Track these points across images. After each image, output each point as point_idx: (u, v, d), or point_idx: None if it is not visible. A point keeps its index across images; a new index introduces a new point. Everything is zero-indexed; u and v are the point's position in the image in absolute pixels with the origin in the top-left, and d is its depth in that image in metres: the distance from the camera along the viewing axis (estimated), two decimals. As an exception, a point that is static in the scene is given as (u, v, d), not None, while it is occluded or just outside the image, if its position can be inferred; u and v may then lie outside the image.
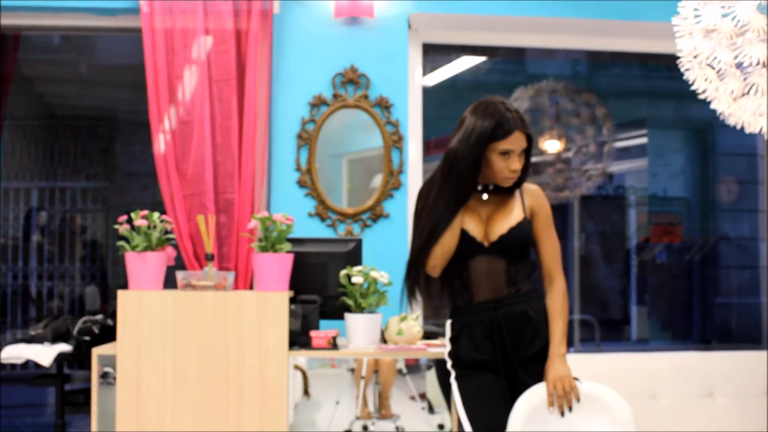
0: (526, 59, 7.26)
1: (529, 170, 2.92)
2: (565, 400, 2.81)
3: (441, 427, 4.89)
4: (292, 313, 3.45)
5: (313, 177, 4.52)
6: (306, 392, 4.78)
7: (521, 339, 2.87)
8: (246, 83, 4.36)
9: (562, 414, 2.80)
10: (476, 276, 2.89)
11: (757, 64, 2.92)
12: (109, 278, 8.84)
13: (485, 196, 2.94)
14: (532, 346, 2.88)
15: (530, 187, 2.98)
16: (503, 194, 2.94)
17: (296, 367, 4.62)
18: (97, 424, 3.42)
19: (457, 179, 2.85)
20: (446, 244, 2.86)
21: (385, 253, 4.36)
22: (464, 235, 2.88)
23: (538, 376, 2.87)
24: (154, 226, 3.48)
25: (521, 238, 2.89)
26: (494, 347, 2.87)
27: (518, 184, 2.93)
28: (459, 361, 2.91)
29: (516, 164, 2.83)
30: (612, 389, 2.93)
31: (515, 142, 2.82)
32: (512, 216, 2.91)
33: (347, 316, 3.48)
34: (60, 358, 4.29)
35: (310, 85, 4.55)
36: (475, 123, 2.82)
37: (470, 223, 2.89)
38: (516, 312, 2.88)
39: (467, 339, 2.89)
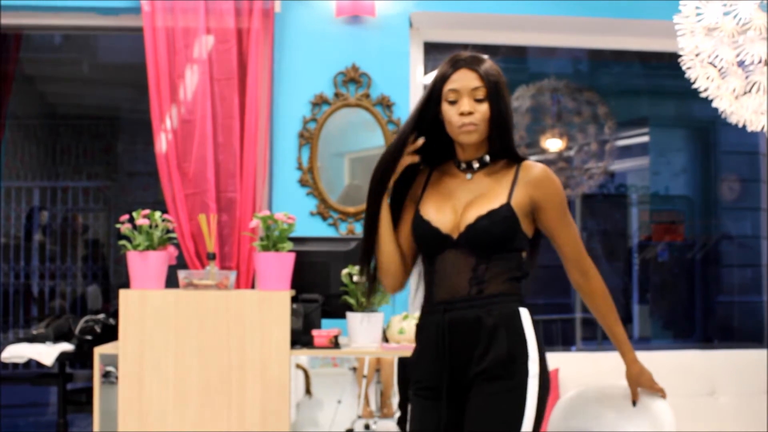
0: (528, 58, 7.26)
1: (503, 124, 2.35)
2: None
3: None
4: (293, 312, 3.45)
5: (315, 176, 4.52)
6: (308, 391, 4.78)
7: (471, 353, 2.29)
8: (247, 82, 4.36)
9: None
10: (441, 273, 2.36)
11: (759, 62, 2.92)
12: (111, 277, 8.84)
13: (469, 176, 2.40)
14: (483, 361, 2.27)
15: (533, 169, 2.38)
16: (496, 174, 2.40)
17: (298, 366, 4.62)
18: (99, 423, 3.42)
19: (393, 143, 2.43)
20: (378, 262, 2.44)
21: (387, 251, 4.36)
22: (427, 226, 2.36)
23: (487, 397, 2.27)
24: (156, 226, 3.48)
25: (490, 229, 2.30)
26: (439, 360, 2.32)
27: (508, 154, 2.40)
28: (411, 372, 2.45)
29: (465, 106, 2.31)
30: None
31: (460, 80, 2.34)
32: (492, 200, 2.34)
33: (349, 315, 3.48)
34: (62, 358, 4.29)
35: (312, 84, 4.55)
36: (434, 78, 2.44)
37: (437, 212, 2.37)
38: (466, 318, 2.30)
39: (418, 346, 2.42)
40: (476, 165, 2.40)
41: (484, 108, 2.32)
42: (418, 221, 2.39)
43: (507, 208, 2.32)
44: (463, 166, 2.41)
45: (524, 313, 2.32)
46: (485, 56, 2.39)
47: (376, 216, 2.44)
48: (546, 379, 2.31)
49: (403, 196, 2.48)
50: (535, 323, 2.34)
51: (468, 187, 2.40)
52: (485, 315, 2.29)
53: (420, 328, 2.41)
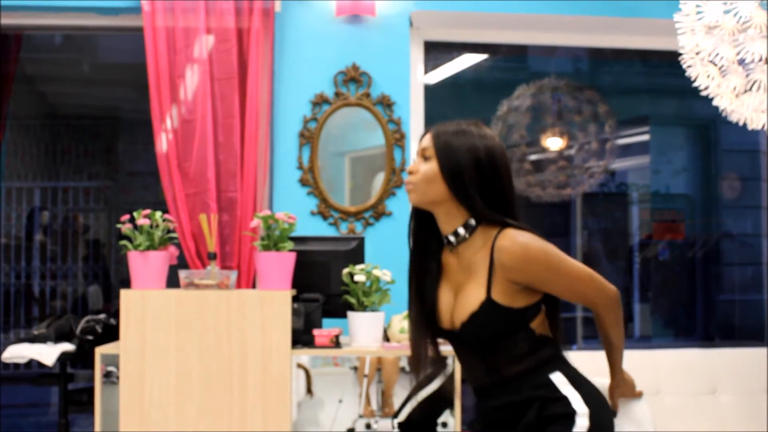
0: (528, 57, 7.26)
1: (459, 181, 2.12)
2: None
3: (444, 425, 4.89)
4: (294, 312, 3.46)
5: (315, 175, 4.52)
6: (309, 390, 4.78)
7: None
8: (248, 82, 4.36)
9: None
10: (461, 363, 2.28)
11: (759, 60, 2.91)
12: (112, 277, 8.84)
13: (452, 255, 2.22)
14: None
15: (504, 251, 2.09)
16: (477, 252, 2.15)
17: (299, 366, 4.62)
18: (100, 423, 3.42)
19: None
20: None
21: (388, 251, 4.36)
22: (433, 320, 2.24)
23: None
24: (157, 225, 3.48)
25: (477, 334, 2.13)
26: None
27: (486, 219, 2.14)
28: None
29: (411, 165, 2.20)
30: None
31: (420, 143, 2.20)
32: (474, 292, 2.13)
33: (350, 314, 3.49)
34: (63, 358, 4.29)
35: (312, 84, 4.55)
36: None
37: (443, 295, 2.23)
38: (498, 406, 2.19)
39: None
40: (452, 239, 2.18)
41: (426, 167, 2.14)
42: (427, 310, 2.25)
43: (488, 304, 2.10)
44: (445, 241, 2.21)
45: (557, 378, 2.15)
46: (462, 122, 2.19)
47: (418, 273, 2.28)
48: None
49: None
50: (579, 380, 2.18)
51: (455, 268, 2.20)
52: (515, 396, 2.15)
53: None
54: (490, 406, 2.20)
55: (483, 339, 2.12)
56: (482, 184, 2.12)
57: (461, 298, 2.15)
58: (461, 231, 2.16)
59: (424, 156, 2.16)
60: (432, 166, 2.14)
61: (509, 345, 2.14)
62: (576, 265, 2.18)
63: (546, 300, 2.20)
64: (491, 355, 2.14)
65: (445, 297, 2.21)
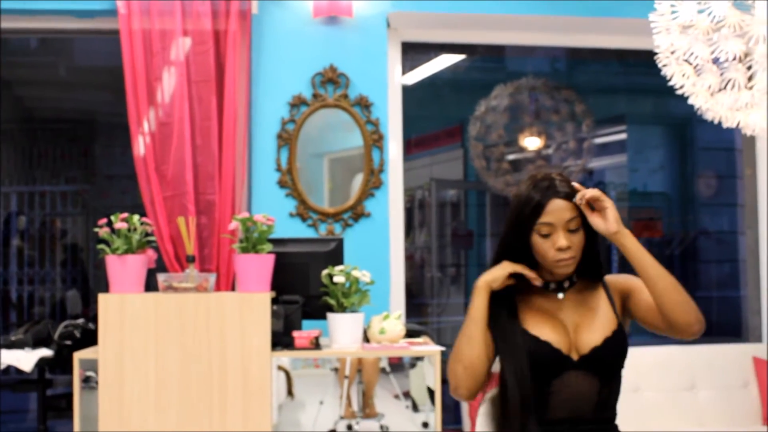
0: (506, 57, 7.27)
1: (596, 247, 2.32)
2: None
3: (425, 425, 4.89)
4: (274, 314, 3.45)
5: (294, 177, 4.51)
6: (290, 392, 4.77)
7: None
8: (225, 84, 4.35)
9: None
10: (559, 395, 2.28)
11: (734, 59, 2.94)
12: (90, 282, 8.78)
13: (561, 295, 2.35)
14: None
15: (615, 279, 2.39)
16: (587, 291, 2.36)
17: (279, 368, 4.61)
18: (79, 428, 3.40)
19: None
20: (466, 359, 2.28)
21: (367, 252, 4.36)
22: (546, 347, 2.26)
23: None
24: (135, 229, 3.46)
25: (618, 353, 2.29)
26: None
27: (595, 274, 2.37)
28: None
29: (561, 240, 2.23)
30: None
31: (553, 212, 2.24)
32: (604, 322, 2.30)
33: (329, 315, 3.48)
34: (41, 363, 4.27)
35: (290, 85, 4.55)
36: (515, 201, 2.31)
37: (550, 333, 2.28)
38: None
39: None
40: (566, 284, 2.35)
41: (578, 238, 2.27)
42: (533, 341, 2.28)
43: (619, 331, 2.30)
44: (553, 286, 2.34)
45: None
46: (566, 175, 2.32)
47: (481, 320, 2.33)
48: None
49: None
50: None
51: (567, 306, 2.34)
52: None
53: None
54: None
55: (610, 364, 2.29)
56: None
57: (590, 326, 2.30)
58: (575, 277, 2.36)
59: (569, 228, 2.26)
60: (581, 237, 2.29)
61: (619, 378, 2.33)
62: None
63: None
64: (607, 385, 2.29)
65: (557, 327, 2.31)
